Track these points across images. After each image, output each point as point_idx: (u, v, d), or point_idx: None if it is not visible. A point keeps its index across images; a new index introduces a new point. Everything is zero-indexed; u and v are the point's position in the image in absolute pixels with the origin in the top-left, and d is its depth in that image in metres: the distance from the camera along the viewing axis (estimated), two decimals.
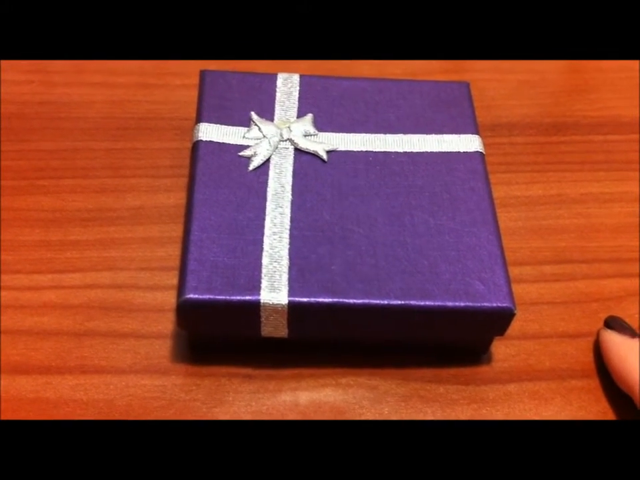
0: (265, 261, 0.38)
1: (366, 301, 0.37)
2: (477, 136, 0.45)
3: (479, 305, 0.37)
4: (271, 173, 0.42)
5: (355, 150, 0.44)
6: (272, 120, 0.45)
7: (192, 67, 0.51)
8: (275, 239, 0.39)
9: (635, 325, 0.43)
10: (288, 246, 0.39)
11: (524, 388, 0.40)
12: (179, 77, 0.55)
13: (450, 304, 0.37)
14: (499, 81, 0.57)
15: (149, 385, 0.39)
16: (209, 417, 0.38)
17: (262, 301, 0.36)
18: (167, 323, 0.42)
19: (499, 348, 0.42)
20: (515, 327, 0.40)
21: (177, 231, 0.45)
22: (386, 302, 0.37)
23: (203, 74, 0.47)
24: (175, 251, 0.44)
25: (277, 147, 0.43)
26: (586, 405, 0.40)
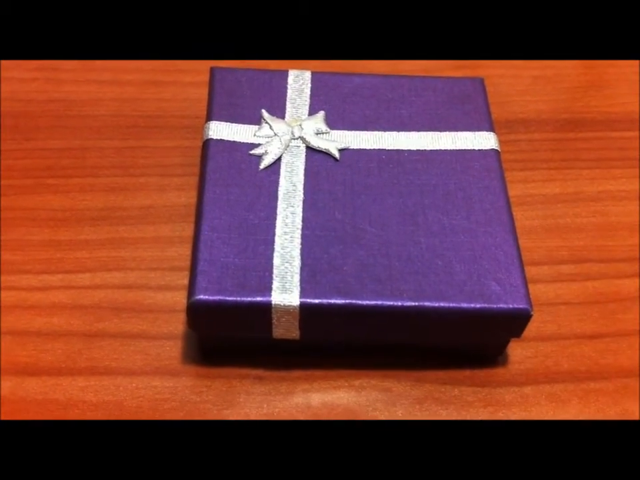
0: (277, 261, 0.37)
1: (378, 302, 0.36)
2: (492, 133, 0.44)
3: (494, 306, 0.36)
4: (282, 172, 0.41)
5: (367, 148, 0.43)
6: (283, 118, 0.44)
7: (201, 64, 0.50)
8: (286, 239, 0.38)
9: None
10: (299, 246, 0.38)
11: (541, 390, 0.40)
12: (189, 74, 0.54)
13: (465, 305, 0.36)
14: (513, 76, 0.56)
15: (159, 387, 0.39)
16: (220, 418, 0.38)
17: (273, 303, 0.36)
18: (178, 324, 0.41)
19: (515, 349, 0.41)
20: (531, 328, 0.39)
21: (188, 230, 0.44)
22: (399, 303, 0.36)
23: (212, 71, 0.46)
24: (185, 250, 0.44)
25: (288, 145, 0.42)
26: (604, 408, 0.39)
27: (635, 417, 0.39)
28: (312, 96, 0.45)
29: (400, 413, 0.39)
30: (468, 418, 0.38)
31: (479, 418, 0.38)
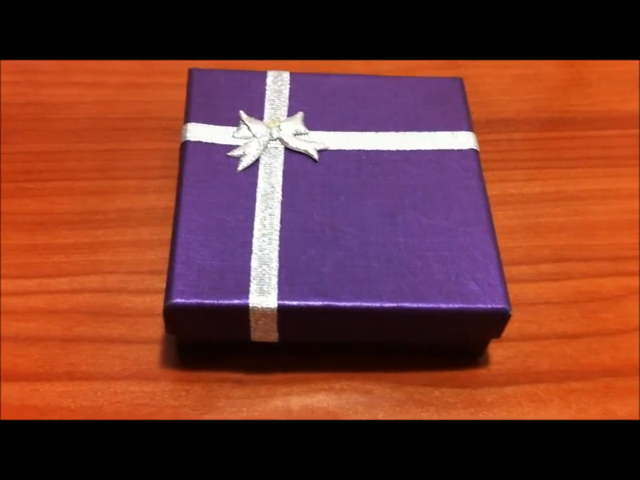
0: (254, 263, 0.37)
1: (357, 303, 0.36)
2: (471, 133, 0.44)
3: (473, 306, 0.36)
4: (261, 173, 0.41)
5: (346, 149, 0.43)
6: (262, 119, 0.44)
7: (181, 66, 0.50)
8: (264, 241, 0.38)
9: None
10: (278, 248, 0.38)
11: (522, 390, 0.39)
12: (168, 76, 0.54)
13: (443, 306, 0.36)
14: (493, 76, 0.56)
15: (137, 392, 0.39)
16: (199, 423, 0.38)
17: (251, 305, 0.36)
18: (157, 328, 0.41)
19: (496, 350, 0.41)
20: (512, 327, 0.39)
21: (167, 233, 0.43)
22: (378, 304, 0.36)
23: (191, 72, 0.46)
24: (164, 253, 0.43)
25: (266, 147, 0.42)
26: (585, 408, 0.39)
27: (617, 417, 0.39)
28: (291, 97, 0.45)
29: (381, 415, 0.38)
30: (449, 419, 0.38)
31: (460, 419, 0.38)
